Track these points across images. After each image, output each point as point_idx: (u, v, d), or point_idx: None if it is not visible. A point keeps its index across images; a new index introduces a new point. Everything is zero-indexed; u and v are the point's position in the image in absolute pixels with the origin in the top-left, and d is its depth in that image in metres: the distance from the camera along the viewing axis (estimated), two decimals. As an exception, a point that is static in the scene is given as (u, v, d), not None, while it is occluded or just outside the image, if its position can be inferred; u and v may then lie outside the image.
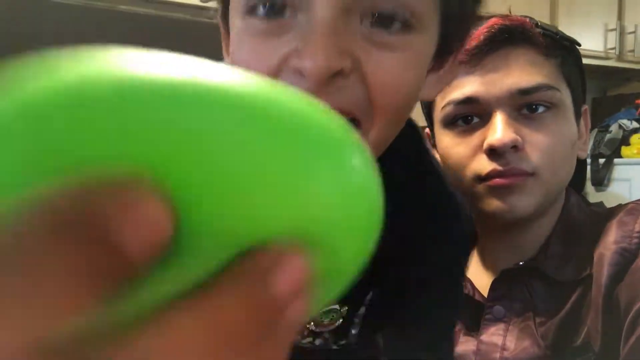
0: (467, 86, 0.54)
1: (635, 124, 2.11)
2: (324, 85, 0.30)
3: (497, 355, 0.58)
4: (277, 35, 0.31)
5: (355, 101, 0.32)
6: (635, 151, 2.03)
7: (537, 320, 0.57)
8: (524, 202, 0.53)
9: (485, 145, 0.53)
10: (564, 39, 0.57)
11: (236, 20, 0.34)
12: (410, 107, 0.36)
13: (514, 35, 0.54)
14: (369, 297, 0.41)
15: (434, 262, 0.42)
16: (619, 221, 0.55)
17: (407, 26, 0.32)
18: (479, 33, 0.54)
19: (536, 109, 0.54)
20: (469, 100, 0.54)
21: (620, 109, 2.28)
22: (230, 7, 0.35)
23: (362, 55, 0.31)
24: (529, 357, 0.56)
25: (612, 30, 2.27)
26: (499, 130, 0.52)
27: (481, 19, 0.56)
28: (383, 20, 0.31)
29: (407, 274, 0.41)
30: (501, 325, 0.59)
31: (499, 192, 0.54)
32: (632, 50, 2.32)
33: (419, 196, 0.42)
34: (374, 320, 0.42)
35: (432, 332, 0.45)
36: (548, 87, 0.53)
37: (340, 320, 0.41)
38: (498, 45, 0.54)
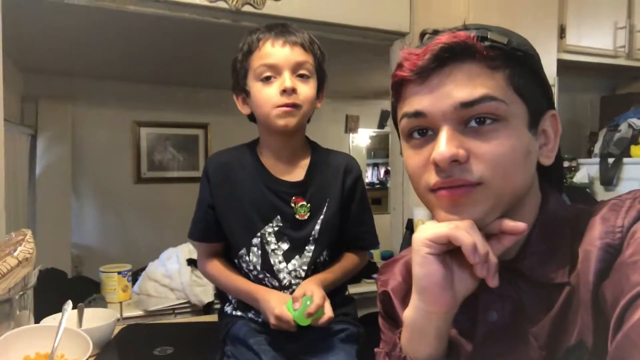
0: (416, 101, 0.57)
1: (645, 123, 2.09)
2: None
3: (494, 357, 0.58)
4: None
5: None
6: (644, 150, 2.01)
7: (529, 321, 0.57)
8: (471, 211, 0.55)
9: (430, 160, 0.56)
10: (516, 49, 0.56)
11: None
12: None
13: (456, 52, 0.55)
14: None
15: None
16: (602, 217, 0.55)
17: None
18: (424, 52, 0.56)
19: (484, 122, 0.55)
20: (418, 114, 0.57)
21: (629, 107, 2.26)
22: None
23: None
24: (525, 358, 0.56)
25: (621, 28, 2.26)
26: (441, 145, 0.54)
27: (436, 33, 0.58)
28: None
29: None
30: (495, 328, 0.59)
31: (445, 203, 0.56)
32: (642, 49, 2.30)
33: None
34: None
35: None
36: (491, 99, 0.54)
37: None
38: (442, 63, 0.55)
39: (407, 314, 0.59)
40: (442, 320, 0.57)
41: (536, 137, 0.58)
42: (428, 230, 0.55)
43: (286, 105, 1.04)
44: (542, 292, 0.57)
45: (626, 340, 0.44)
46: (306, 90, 1.06)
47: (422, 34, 0.62)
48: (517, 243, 0.59)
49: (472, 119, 0.55)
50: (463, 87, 0.54)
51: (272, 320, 1.01)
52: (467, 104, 0.54)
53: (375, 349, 0.67)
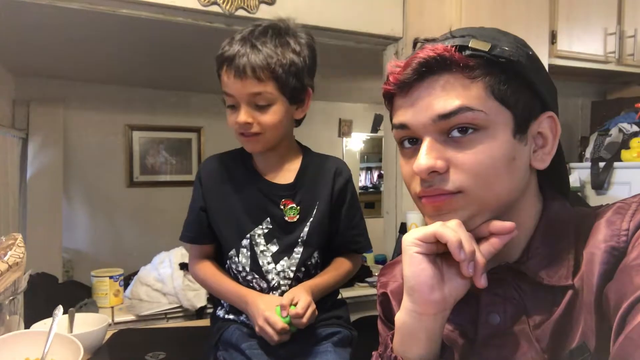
0: (401, 114, 0.60)
1: (635, 128, 2.11)
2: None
3: (495, 359, 0.58)
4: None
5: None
6: (635, 155, 2.03)
7: (532, 323, 0.57)
8: (453, 217, 0.56)
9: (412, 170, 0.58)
10: (497, 57, 0.55)
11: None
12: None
13: (432, 65, 0.56)
14: None
15: None
16: (607, 220, 0.56)
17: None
18: (405, 65, 0.58)
19: (465, 131, 0.56)
20: (403, 126, 0.60)
21: (620, 112, 2.28)
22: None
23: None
24: None
25: (611, 34, 2.28)
26: (421, 156, 0.57)
27: (428, 41, 0.60)
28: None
29: None
30: (497, 330, 0.59)
31: (429, 210, 0.59)
32: (632, 54, 2.32)
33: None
34: None
35: None
36: (467, 109, 0.55)
37: None
38: (421, 76, 0.57)
39: (398, 316, 0.59)
40: (432, 322, 0.56)
41: (525, 142, 0.58)
42: (416, 231, 0.56)
43: (245, 135, 1.05)
44: (545, 294, 0.57)
45: (628, 342, 0.44)
46: (266, 118, 1.03)
47: (415, 43, 0.63)
48: (519, 245, 0.60)
49: (453, 129, 0.56)
50: (439, 99, 0.56)
51: (259, 322, 1.01)
52: (444, 116, 0.55)
53: (373, 352, 0.67)
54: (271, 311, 1.00)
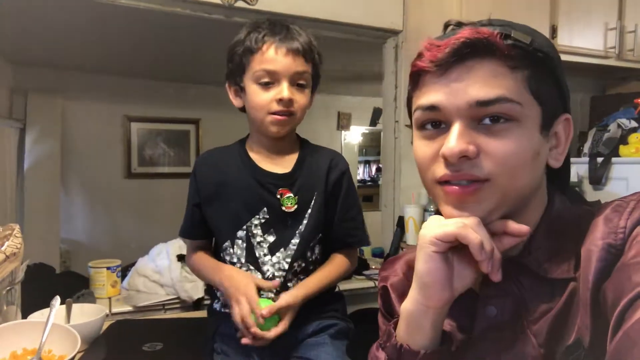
0: (432, 94, 0.57)
1: (633, 123, 2.11)
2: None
3: (492, 353, 0.58)
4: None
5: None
6: (633, 150, 2.03)
7: (529, 318, 0.57)
8: (476, 209, 0.56)
9: (440, 153, 0.56)
10: (537, 50, 0.55)
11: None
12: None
13: (478, 49, 0.54)
14: None
15: None
16: (605, 217, 0.56)
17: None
18: (445, 44, 0.56)
19: (497, 120, 0.55)
20: (433, 108, 0.57)
21: (619, 108, 2.27)
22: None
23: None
24: (523, 355, 0.56)
25: (612, 29, 2.27)
26: (452, 140, 0.55)
27: (460, 26, 0.59)
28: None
29: None
30: (494, 323, 0.60)
31: (453, 198, 0.57)
32: (632, 50, 2.32)
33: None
34: None
35: None
36: (507, 100, 0.54)
37: None
38: (463, 58, 0.55)
39: (405, 307, 0.60)
40: (438, 314, 0.58)
41: (547, 139, 0.58)
42: (436, 228, 0.55)
43: (281, 113, 1.05)
44: (545, 289, 0.58)
45: (626, 339, 0.44)
46: (302, 99, 1.08)
47: (446, 25, 0.62)
48: (521, 241, 0.60)
49: (486, 116, 0.55)
50: (481, 85, 0.54)
51: (235, 310, 1.03)
52: (482, 103, 0.54)
53: (374, 344, 0.68)
54: (248, 308, 1.02)
